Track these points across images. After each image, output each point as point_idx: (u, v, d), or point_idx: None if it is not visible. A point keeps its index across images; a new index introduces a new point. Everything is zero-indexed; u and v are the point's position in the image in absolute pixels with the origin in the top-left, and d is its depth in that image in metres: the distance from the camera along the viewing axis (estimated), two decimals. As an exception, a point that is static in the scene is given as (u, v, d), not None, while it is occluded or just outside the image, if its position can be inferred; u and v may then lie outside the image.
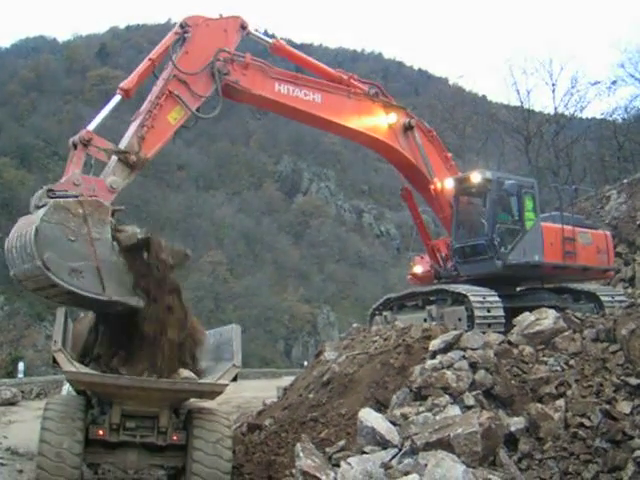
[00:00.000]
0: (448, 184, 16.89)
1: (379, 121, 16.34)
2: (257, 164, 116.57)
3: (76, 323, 11.97)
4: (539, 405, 10.67)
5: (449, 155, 17.75)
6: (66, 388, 14.10)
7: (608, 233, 18.89)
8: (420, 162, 16.86)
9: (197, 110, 13.05)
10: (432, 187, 17.02)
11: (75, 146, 11.27)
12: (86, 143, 11.16)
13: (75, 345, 11.05)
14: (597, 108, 67.10)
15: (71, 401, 10.78)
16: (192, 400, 11.23)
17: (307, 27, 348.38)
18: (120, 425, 10.21)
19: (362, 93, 16.19)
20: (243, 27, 13.92)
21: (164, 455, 10.67)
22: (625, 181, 32.98)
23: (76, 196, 10.33)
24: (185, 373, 10.43)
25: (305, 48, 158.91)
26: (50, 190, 10.42)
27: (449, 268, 17.38)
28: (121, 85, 12.31)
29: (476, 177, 16.66)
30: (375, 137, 16.42)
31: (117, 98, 12.19)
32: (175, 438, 10.45)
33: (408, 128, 16.68)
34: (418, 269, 18.58)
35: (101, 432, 10.16)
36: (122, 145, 11.72)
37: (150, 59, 12.66)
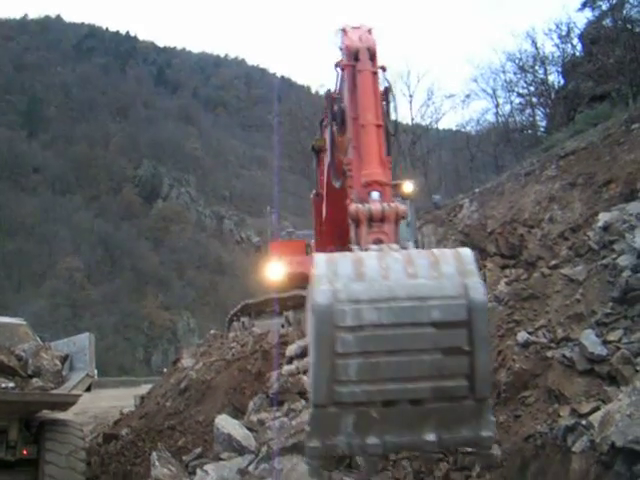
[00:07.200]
0: None
1: None
2: (116, 168, 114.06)
3: None
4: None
5: None
6: None
7: None
8: None
9: None
10: None
11: None
12: None
13: None
14: (452, 120, 70.13)
15: None
16: (44, 411, 10.94)
17: (170, 29, 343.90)
18: (-34, 441, 9.83)
19: None
20: None
21: (14, 471, 10.30)
22: (477, 190, 34.29)
23: None
24: (37, 383, 10.17)
25: (168, 52, 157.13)
26: None
27: None
28: None
29: None
30: None
31: None
32: (25, 452, 10.14)
33: None
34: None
35: (-55, 449, 9.75)
36: None
37: None
